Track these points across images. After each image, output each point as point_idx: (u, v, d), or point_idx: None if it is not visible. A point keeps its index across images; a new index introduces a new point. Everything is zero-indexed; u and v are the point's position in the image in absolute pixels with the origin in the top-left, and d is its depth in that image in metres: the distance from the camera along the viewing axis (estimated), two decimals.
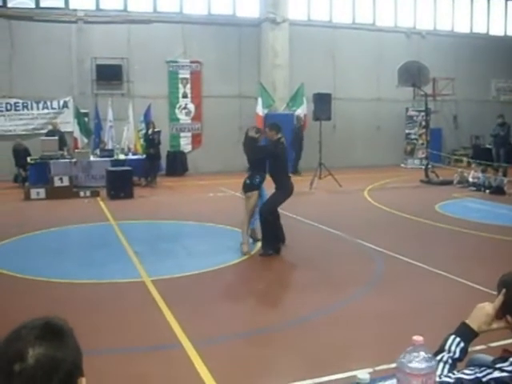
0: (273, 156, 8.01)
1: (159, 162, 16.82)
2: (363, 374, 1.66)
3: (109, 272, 7.12)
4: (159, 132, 16.41)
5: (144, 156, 16.15)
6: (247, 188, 8.03)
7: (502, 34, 24.08)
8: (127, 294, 6.33)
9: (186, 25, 19.33)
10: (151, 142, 16.03)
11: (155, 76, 18.95)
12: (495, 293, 2.17)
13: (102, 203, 12.98)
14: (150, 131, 16.15)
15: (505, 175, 14.94)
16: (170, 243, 8.90)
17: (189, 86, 19.76)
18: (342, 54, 20.90)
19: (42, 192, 13.66)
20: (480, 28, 23.69)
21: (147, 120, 17.19)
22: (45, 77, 17.52)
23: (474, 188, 14.74)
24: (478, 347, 3.50)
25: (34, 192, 13.63)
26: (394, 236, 9.25)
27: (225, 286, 6.68)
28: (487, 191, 14.22)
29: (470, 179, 15.38)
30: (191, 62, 19.66)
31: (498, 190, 14.02)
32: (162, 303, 5.81)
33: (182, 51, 19.51)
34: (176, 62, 19.52)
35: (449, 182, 15.91)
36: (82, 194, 13.98)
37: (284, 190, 8.01)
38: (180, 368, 4.35)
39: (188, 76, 19.73)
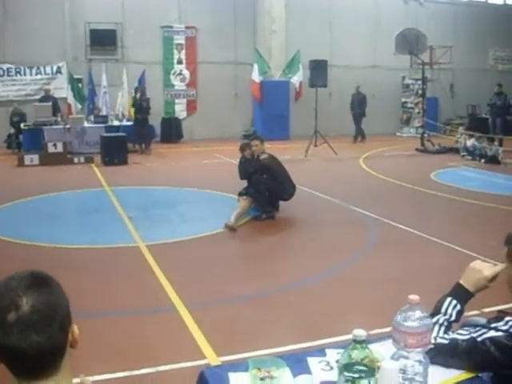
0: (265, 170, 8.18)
1: (151, 128, 16.57)
2: (359, 331, 1.65)
3: (103, 237, 7.13)
4: (148, 99, 16.11)
5: (133, 122, 15.96)
6: (239, 194, 8.23)
7: (501, 2, 23.79)
8: (122, 258, 6.33)
9: None
10: (139, 107, 15.79)
11: (150, 41, 18.70)
12: (488, 259, 2.17)
13: (96, 169, 12.92)
14: (137, 96, 15.90)
15: (500, 145, 14.92)
16: (165, 209, 8.88)
17: (184, 51, 19.53)
18: (338, 20, 20.63)
19: (35, 158, 13.56)
20: None
21: (137, 86, 16.93)
22: (38, 42, 17.23)
23: (470, 157, 14.74)
24: (472, 312, 3.51)
25: (27, 158, 13.53)
26: (389, 203, 9.26)
27: (220, 251, 6.68)
28: (482, 160, 14.22)
29: (468, 143, 15.38)
30: (186, 28, 19.40)
31: (492, 160, 14.03)
32: (156, 268, 5.82)
33: (177, 16, 19.24)
34: (171, 27, 19.26)
35: (444, 151, 15.92)
36: (76, 160, 13.88)
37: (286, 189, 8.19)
38: (174, 331, 4.36)
39: (183, 42, 19.48)
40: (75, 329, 1.41)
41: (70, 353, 1.40)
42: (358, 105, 18.90)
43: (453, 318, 2.05)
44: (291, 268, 6.06)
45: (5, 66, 17.60)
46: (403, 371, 1.78)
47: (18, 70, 17.74)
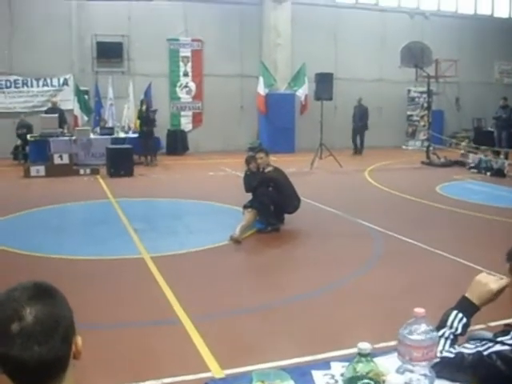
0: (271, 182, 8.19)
1: (157, 141, 16.62)
2: (364, 344, 1.64)
3: (108, 248, 7.12)
4: (155, 111, 16.24)
5: (138, 134, 15.99)
6: (244, 206, 8.21)
7: (506, 16, 23.86)
8: (126, 270, 6.32)
9: (187, 2, 19.16)
10: (146, 119, 15.82)
11: (156, 54, 18.84)
12: (494, 273, 2.16)
13: (101, 181, 12.96)
14: (143, 108, 15.94)
15: (506, 158, 14.90)
16: (170, 221, 8.88)
17: (190, 64, 19.66)
18: (344, 34, 20.73)
19: (41, 169, 13.61)
20: (484, 10, 23.48)
21: (143, 98, 16.98)
22: (45, 54, 17.37)
23: (475, 170, 14.72)
24: (478, 326, 3.48)
25: (33, 169, 13.59)
26: (394, 216, 9.23)
27: (224, 263, 6.67)
28: (488, 173, 14.19)
29: (470, 160, 15.43)
30: (192, 41, 19.54)
31: (498, 173, 14.00)
32: (161, 279, 5.81)
33: (183, 29, 19.36)
34: (177, 40, 19.40)
35: (450, 164, 15.92)
36: (81, 171, 13.94)
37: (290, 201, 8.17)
38: (179, 343, 4.35)
39: (189, 54, 19.62)
40: (79, 340, 1.40)
41: (75, 364, 1.39)
42: (360, 117, 18.95)
43: (459, 331, 2.03)
44: (296, 281, 6.04)
45: (12, 78, 17.74)
46: None
47: (25, 81, 17.88)
